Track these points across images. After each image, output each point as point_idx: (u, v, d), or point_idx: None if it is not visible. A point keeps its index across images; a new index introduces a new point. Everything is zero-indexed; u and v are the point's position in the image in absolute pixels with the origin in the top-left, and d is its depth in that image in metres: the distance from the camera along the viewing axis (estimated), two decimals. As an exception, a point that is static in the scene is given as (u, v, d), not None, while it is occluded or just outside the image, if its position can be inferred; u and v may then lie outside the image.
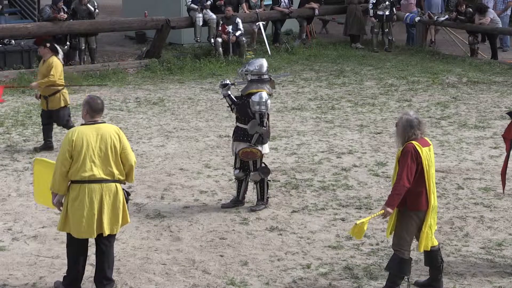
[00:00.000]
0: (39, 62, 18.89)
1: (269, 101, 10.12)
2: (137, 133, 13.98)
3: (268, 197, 10.42)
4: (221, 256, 8.86)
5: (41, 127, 13.19)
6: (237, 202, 10.40)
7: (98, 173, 7.58)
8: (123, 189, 7.86)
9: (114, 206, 7.69)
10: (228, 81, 10.47)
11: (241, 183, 10.39)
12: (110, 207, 7.66)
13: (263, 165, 10.33)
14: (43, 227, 9.60)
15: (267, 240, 9.30)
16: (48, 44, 12.85)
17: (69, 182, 7.65)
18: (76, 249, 7.80)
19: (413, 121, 7.60)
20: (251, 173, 10.27)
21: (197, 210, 10.28)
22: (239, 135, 10.20)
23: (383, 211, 7.58)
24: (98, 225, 7.65)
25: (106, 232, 7.69)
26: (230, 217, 10.03)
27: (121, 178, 7.75)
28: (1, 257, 8.76)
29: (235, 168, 10.40)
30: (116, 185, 7.70)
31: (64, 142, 7.68)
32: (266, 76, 10.24)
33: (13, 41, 19.51)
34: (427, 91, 17.32)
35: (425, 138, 7.76)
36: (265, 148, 10.27)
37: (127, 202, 7.90)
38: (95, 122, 7.72)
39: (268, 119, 10.18)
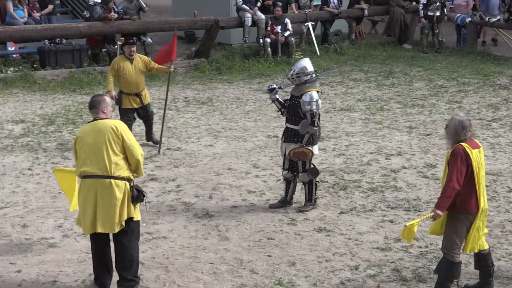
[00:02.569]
0: (91, 61, 19.26)
1: (319, 101, 10.08)
2: (186, 133, 14.05)
3: (316, 198, 10.39)
4: (269, 256, 8.86)
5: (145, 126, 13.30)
6: (285, 202, 10.39)
7: (92, 168, 7.69)
8: (134, 187, 7.80)
9: (109, 202, 7.65)
10: (274, 85, 10.45)
11: (289, 184, 10.38)
12: (105, 203, 7.65)
13: (312, 166, 10.30)
14: (93, 225, 9.68)
15: (315, 241, 9.28)
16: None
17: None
18: (93, 244, 7.94)
19: (465, 122, 7.54)
20: (300, 174, 10.24)
21: (245, 210, 10.30)
22: (289, 135, 10.16)
23: (432, 213, 7.53)
24: (93, 221, 7.70)
25: (99, 229, 7.69)
26: (278, 217, 10.03)
27: (120, 174, 7.70)
28: (52, 254, 8.88)
29: (283, 169, 10.38)
30: (111, 181, 7.66)
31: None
32: (313, 75, 10.16)
33: (64, 40, 19.76)
34: (478, 93, 17.13)
35: (475, 140, 7.69)
36: (315, 149, 10.24)
37: (137, 201, 7.80)
38: (95, 119, 7.89)
39: (319, 119, 10.15)
